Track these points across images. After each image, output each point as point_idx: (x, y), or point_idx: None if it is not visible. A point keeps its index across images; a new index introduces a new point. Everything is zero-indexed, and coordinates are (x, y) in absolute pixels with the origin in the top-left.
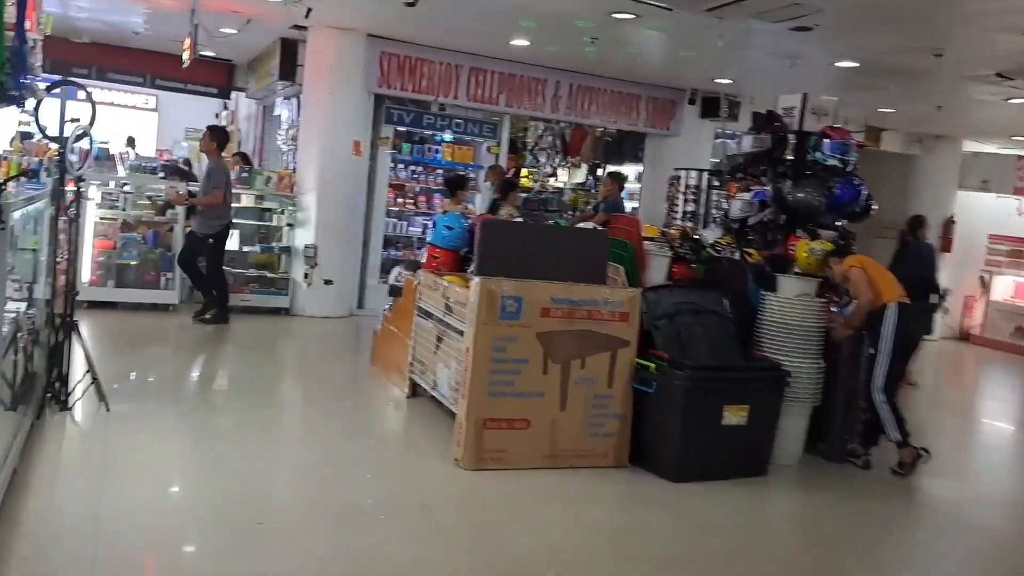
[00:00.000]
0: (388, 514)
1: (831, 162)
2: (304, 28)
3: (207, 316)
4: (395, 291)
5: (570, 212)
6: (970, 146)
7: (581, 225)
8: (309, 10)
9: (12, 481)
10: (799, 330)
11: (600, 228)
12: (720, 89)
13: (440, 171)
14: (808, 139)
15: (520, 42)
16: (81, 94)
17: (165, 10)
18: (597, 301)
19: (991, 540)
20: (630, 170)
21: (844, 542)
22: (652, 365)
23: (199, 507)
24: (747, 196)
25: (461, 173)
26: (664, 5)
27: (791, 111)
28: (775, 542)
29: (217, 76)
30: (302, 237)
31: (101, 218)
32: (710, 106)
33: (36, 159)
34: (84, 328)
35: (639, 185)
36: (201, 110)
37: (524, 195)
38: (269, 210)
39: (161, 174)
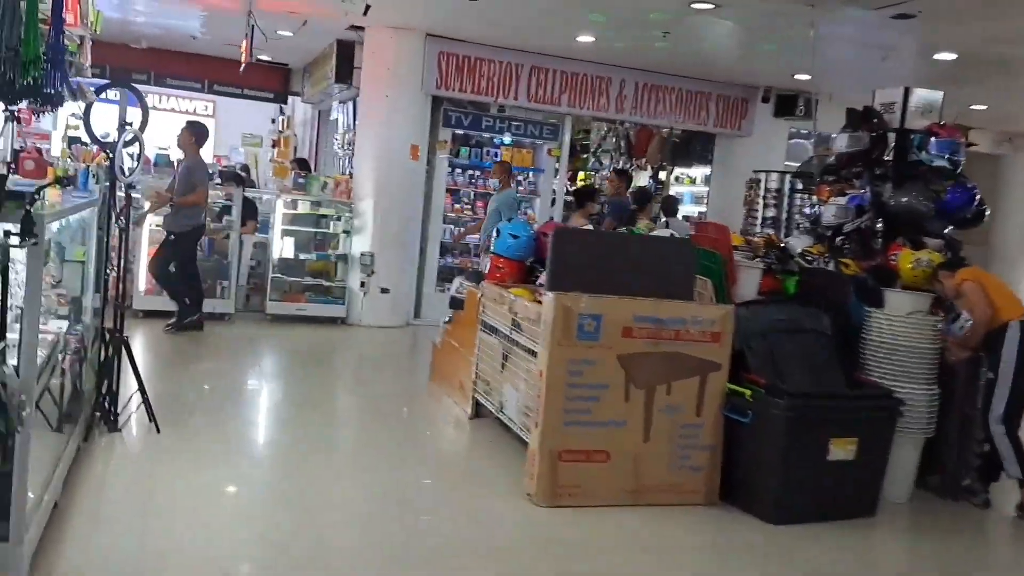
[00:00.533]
0: (454, 556)
1: (939, 163)
2: (361, 29)
3: (173, 324)
4: (456, 303)
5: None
6: None
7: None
8: (368, 7)
9: (51, 518)
10: (912, 352)
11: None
12: (797, 86)
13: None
14: (911, 138)
15: (585, 38)
16: (130, 97)
17: (222, 13)
18: (685, 320)
19: None
20: (698, 172)
21: None
22: (747, 392)
23: (248, 543)
24: (842, 201)
25: (590, 184)
26: None
27: (891, 107)
28: None
29: (273, 81)
30: (359, 244)
31: (156, 225)
32: (785, 104)
33: (83, 165)
34: (137, 339)
35: (707, 188)
36: (258, 115)
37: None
38: (325, 216)
39: (218, 180)
